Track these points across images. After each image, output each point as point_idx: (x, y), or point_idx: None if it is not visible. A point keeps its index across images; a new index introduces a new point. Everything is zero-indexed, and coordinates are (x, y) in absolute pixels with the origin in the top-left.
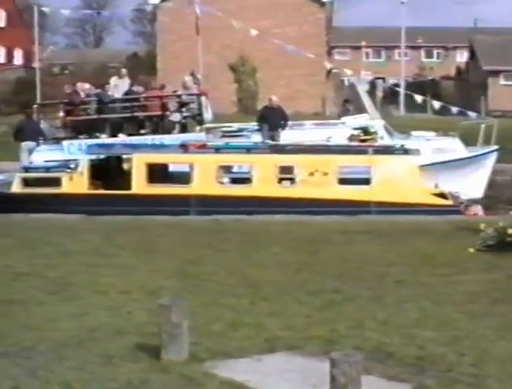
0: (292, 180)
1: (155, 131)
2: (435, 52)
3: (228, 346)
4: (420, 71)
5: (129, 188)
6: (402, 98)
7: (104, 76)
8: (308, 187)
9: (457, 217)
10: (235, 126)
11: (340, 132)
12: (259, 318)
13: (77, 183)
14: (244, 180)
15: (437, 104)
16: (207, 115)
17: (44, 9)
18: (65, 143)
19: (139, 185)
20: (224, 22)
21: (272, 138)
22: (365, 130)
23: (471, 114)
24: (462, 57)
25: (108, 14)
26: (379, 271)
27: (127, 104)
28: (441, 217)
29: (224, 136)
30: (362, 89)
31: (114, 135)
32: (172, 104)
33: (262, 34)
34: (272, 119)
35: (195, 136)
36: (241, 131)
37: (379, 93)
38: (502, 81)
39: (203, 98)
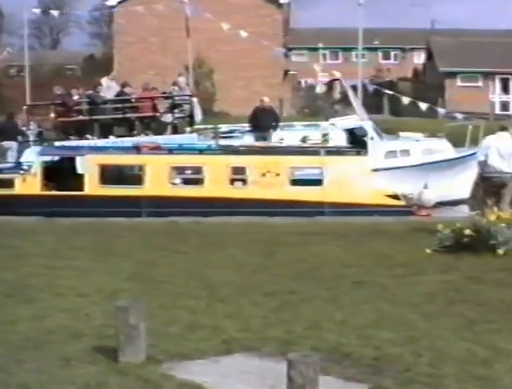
0: (244, 181)
1: (146, 132)
2: (392, 53)
3: (186, 348)
4: (377, 73)
5: (81, 189)
6: (359, 100)
7: (61, 78)
8: (260, 188)
9: (413, 218)
10: (224, 127)
11: (331, 133)
12: (216, 320)
13: (30, 185)
14: (196, 181)
15: (423, 106)
16: (197, 116)
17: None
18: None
19: (92, 186)
20: (183, 23)
21: (264, 139)
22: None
23: (459, 116)
24: (419, 58)
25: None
26: (336, 272)
27: (119, 106)
28: (398, 218)
29: (214, 137)
30: (351, 90)
31: (106, 137)
32: (162, 106)
33: (219, 36)
34: (263, 120)
35: (187, 137)
36: (231, 132)
37: (337, 95)
38: (459, 82)
39: (194, 99)
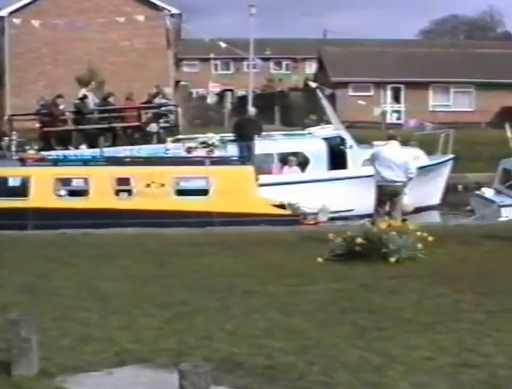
0: (129, 192)
1: (132, 142)
2: (284, 63)
3: (79, 360)
4: (268, 83)
5: None
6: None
7: None
8: (145, 199)
9: (304, 228)
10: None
11: (311, 142)
12: (109, 332)
13: None
14: (81, 192)
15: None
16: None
17: None
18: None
19: None
20: (75, 34)
21: (248, 148)
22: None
23: (428, 125)
24: (311, 68)
25: None
26: (227, 283)
27: (106, 115)
28: (289, 228)
29: (196, 147)
30: (325, 100)
31: (92, 146)
32: (146, 116)
33: (111, 47)
34: (248, 130)
35: (173, 147)
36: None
37: (228, 105)
38: (351, 92)
39: (179, 109)
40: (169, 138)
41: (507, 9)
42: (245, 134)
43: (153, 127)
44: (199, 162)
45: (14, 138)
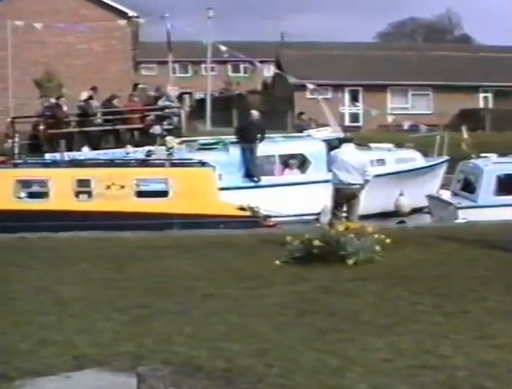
0: (89, 193)
1: (136, 144)
2: (242, 66)
3: (37, 364)
4: (226, 86)
5: None
6: (208, 112)
7: None
8: (105, 200)
9: (262, 230)
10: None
11: (312, 144)
12: (68, 336)
13: None
14: (41, 194)
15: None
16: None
17: None
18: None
19: None
20: (33, 37)
21: (251, 151)
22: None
23: (422, 128)
24: (269, 71)
25: None
26: (186, 286)
27: (110, 117)
28: (247, 231)
29: (200, 149)
30: (324, 103)
31: (96, 148)
32: (149, 118)
33: (68, 50)
34: (251, 132)
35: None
36: (217, 144)
37: (186, 108)
38: (308, 95)
39: (182, 111)
40: (176, 140)
41: (465, 12)
42: (247, 136)
43: (157, 129)
44: (159, 164)
45: (16, 140)
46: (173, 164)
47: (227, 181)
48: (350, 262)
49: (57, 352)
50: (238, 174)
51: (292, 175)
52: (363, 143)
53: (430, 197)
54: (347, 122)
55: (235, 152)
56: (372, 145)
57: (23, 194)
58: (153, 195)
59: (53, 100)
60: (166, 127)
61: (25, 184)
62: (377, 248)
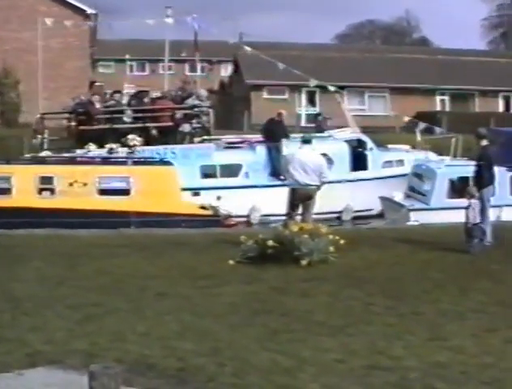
0: (52, 190)
1: (165, 142)
2: (199, 65)
3: None
4: (183, 85)
5: None
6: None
7: None
8: (68, 198)
9: (217, 230)
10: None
11: (334, 144)
12: (20, 333)
13: None
14: (4, 190)
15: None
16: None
17: None
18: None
19: None
20: None
21: (277, 150)
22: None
23: (438, 130)
24: (226, 71)
25: None
26: (140, 284)
27: (140, 115)
28: (202, 230)
29: (226, 147)
30: (344, 104)
31: (123, 146)
32: (177, 116)
33: (25, 46)
34: (276, 132)
35: (204, 147)
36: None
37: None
38: (265, 95)
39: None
40: (196, 139)
41: (423, 14)
42: (273, 136)
43: (186, 127)
44: (121, 162)
45: (46, 136)
46: (136, 163)
47: (253, 179)
48: (304, 262)
49: (10, 350)
50: (264, 173)
51: None
52: (380, 144)
53: (383, 199)
54: (303, 123)
55: (261, 151)
56: (390, 146)
57: None
58: (115, 193)
59: (83, 97)
60: (195, 125)
61: None
62: (332, 249)
